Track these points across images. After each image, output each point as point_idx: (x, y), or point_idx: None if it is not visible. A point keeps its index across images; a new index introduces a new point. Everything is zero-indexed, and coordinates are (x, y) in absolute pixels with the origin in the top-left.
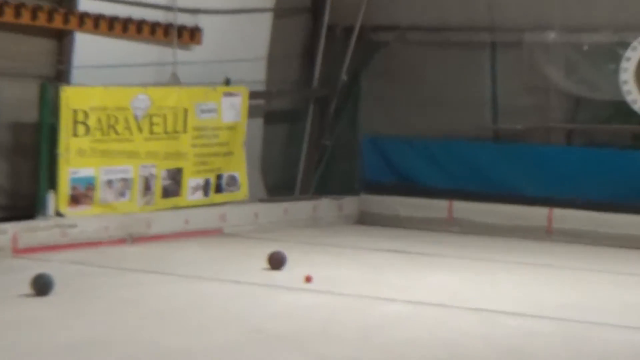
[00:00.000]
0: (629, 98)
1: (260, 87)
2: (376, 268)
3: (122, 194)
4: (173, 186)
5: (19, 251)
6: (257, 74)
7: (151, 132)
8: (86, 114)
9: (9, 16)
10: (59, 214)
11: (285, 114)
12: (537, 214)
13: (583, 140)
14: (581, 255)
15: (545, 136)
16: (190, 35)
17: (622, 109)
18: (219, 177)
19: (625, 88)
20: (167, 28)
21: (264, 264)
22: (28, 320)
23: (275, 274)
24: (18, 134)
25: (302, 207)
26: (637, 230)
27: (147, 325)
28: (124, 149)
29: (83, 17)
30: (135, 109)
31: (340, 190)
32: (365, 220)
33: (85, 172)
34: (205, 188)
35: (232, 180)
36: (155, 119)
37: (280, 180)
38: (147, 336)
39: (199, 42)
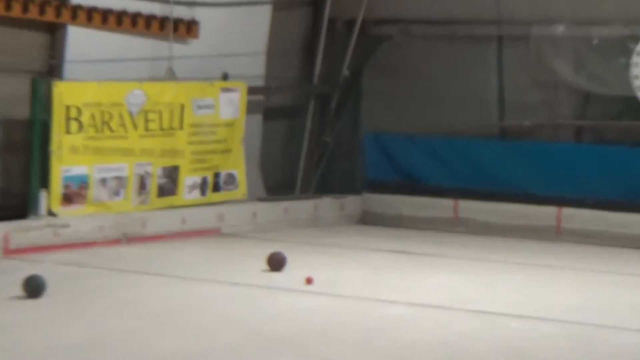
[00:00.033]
0: None
1: (259, 83)
2: (378, 269)
3: (116, 193)
4: (169, 185)
5: (10, 252)
6: (256, 68)
7: (146, 129)
8: (79, 110)
9: None
10: (51, 214)
11: (285, 110)
12: (545, 214)
13: (593, 137)
14: (590, 256)
15: (553, 133)
16: (186, 28)
17: (632, 104)
18: (216, 175)
19: (636, 83)
20: (163, 21)
21: (263, 265)
22: (19, 323)
23: (275, 275)
24: (9, 131)
25: (302, 207)
26: None
27: (144, 328)
28: (118, 146)
29: (76, 9)
30: (130, 104)
31: (341, 189)
32: (367, 220)
33: (79, 170)
34: (203, 187)
35: (230, 179)
36: (151, 115)
37: (280, 178)
38: (143, 339)
39: (195, 35)
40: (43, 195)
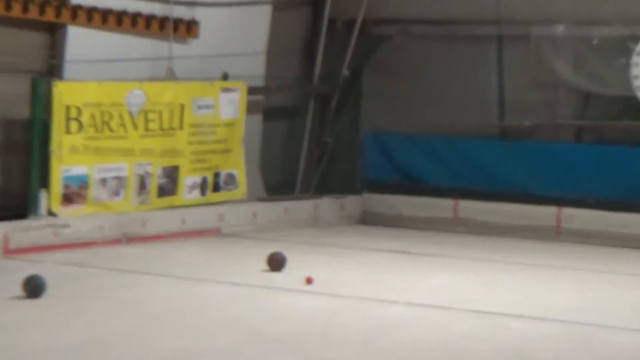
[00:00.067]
0: None
1: (259, 83)
2: (378, 269)
3: (116, 193)
4: (169, 185)
5: (10, 252)
6: (256, 68)
7: (146, 129)
8: (79, 110)
9: None
10: (51, 214)
11: (285, 110)
12: (545, 214)
13: (593, 137)
14: (590, 256)
15: (553, 133)
16: (187, 28)
17: (633, 104)
18: (216, 175)
19: (636, 83)
20: (163, 21)
21: (263, 265)
22: (19, 323)
23: (275, 275)
24: (9, 131)
25: (302, 207)
26: None
27: (144, 328)
28: (118, 147)
29: (76, 9)
30: (130, 104)
31: (341, 189)
32: (367, 220)
33: (79, 170)
34: (203, 187)
35: (230, 179)
36: (151, 115)
37: (280, 178)
38: (143, 339)
39: (195, 35)
40: (43, 195)
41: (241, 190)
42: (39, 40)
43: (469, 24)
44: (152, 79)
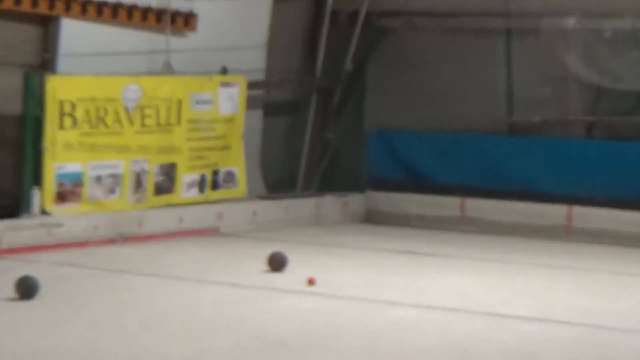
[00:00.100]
0: None
1: (260, 77)
2: (383, 270)
3: (111, 191)
4: (166, 182)
5: (2, 252)
6: (256, 62)
7: (143, 125)
8: (73, 105)
9: None
10: (44, 212)
11: (286, 106)
12: (555, 212)
13: (604, 133)
14: (603, 256)
15: (564, 129)
16: (184, 21)
17: None
18: (215, 172)
19: None
20: (160, 13)
21: (264, 265)
22: (10, 325)
23: (276, 276)
24: (0, 127)
25: (304, 205)
26: None
27: (139, 331)
28: (113, 143)
29: (70, 1)
30: (125, 99)
31: (344, 187)
32: (371, 219)
33: (73, 167)
34: (201, 184)
35: (230, 176)
36: (147, 111)
37: (281, 176)
38: (138, 343)
39: (193, 28)
40: (36, 194)
41: (241, 188)
42: (31, 33)
43: (476, 17)
44: (149, 73)
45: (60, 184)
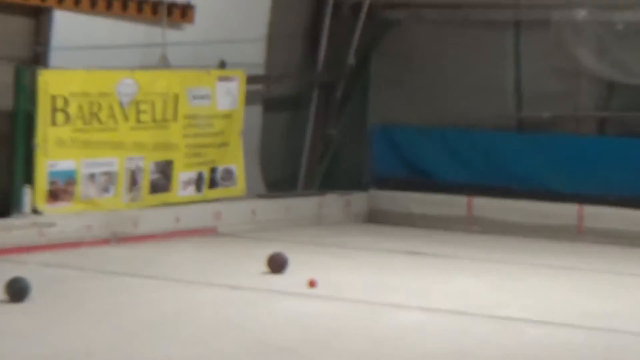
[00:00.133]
0: None
1: (259, 71)
2: (386, 271)
3: (105, 189)
4: (162, 181)
5: None
6: (256, 56)
7: (138, 121)
8: (66, 101)
9: None
10: (36, 212)
11: (287, 101)
12: (566, 212)
13: (617, 130)
14: (615, 257)
15: (574, 125)
16: (181, 13)
17: None
18: (213, 170)
19: None
20: (156, 5)
21: (263, 267)
22: (1, 329)
23: (276, 278)
24: None
25: (305, 204)
26: None
27: (134, 335)
28: (107, 140)
29: None
30: (120, 94)
31: (347, 186)
32: (375, 218)
33: (65, 164)
34: (198, 183)
35: (228, 174)
36: (143, 106)
37: (281, 174)
38: (133, 348)
39: (191, 20)
40: (27, 192)
41: (239, 186)
42: (22, 25)
43: (484, 8)
44: (144, 67)
45: (53, 182)
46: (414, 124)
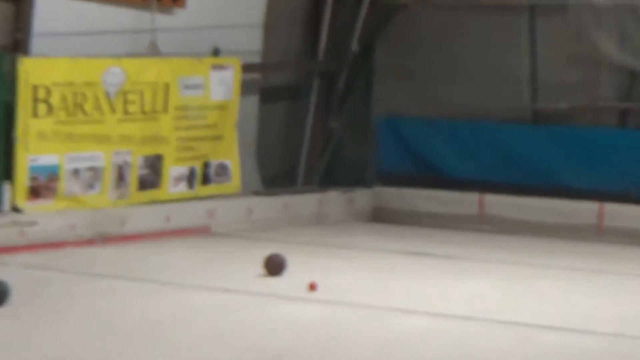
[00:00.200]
0: None
1: (256, 59)
2: (392, 274)
3: (90, 186)
4: (151, 176)
5: None
6: (252, 42)
7: (125, 112)
8: (48, 91)
9: None
10: (16, 210)
11: (285, 91)
12: (585, 210)
13: (639, 122)
14: (637, 258)
15: (594, 117)
16: None
17: None
18: (206, 165)
19: None
20: None
21: (260, 269)
22: None
23: (273, 281)
24: None
25: (304, 202)
26: None
27: (121, 343)
28: (93, 132)
29: None
30: (106, 84)
31: (349, 182)
32: (379, 217)
33: (47, 159)
34: (190, 179)
35: (222, 170)
36: (131, 97)
37: (279, 169)
38: (121, 355)
39: (182, 5)
40: (6, 189)
41: (234, 182)
42: (1, 10)
43: None
44: (132, 54)
45: (34, 178)
46: (421, 115)
